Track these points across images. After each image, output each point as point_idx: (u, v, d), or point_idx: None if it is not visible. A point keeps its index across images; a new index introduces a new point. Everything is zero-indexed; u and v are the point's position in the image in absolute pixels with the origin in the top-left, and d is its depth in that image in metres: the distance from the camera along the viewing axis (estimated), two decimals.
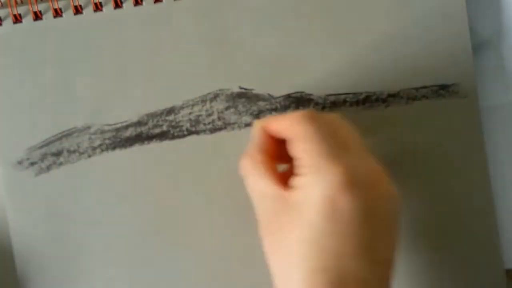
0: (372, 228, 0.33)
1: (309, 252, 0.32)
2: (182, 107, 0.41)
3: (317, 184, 0.32)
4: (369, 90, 0.42)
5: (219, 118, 0.41)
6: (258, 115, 0.42)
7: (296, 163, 0.34)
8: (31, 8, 0.41)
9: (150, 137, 0.41)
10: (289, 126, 0.35)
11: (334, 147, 0.33)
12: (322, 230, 0.32)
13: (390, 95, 0.42)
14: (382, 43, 0.42)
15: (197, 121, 0.41)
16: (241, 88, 0.41)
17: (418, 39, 0.42)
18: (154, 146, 0.41)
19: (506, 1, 0.43)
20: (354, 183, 0.32)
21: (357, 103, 0.42)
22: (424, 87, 0.42)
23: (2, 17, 0.41)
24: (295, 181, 0.34)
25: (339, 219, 0.32)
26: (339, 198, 0.32)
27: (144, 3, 0.41)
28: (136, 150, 0.41)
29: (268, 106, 0.42)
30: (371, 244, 0.33)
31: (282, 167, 0.37)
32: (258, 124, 0.38)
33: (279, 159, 0.36)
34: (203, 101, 0.41)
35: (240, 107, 0.42)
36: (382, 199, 0.33)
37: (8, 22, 0.41)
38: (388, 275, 0.34)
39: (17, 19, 0.41)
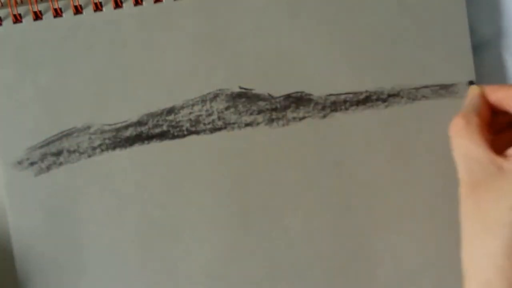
0: None
1: None
2: (182, 107, 0.41)
3: None
4: (369, 90, 0.42)
5: (219, 118, 0.41)
6: (258, 115, 0.42)
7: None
8: (31, 8, 0.41)
9: (150, 137, 0.41)
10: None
11: None
12: None
13: (390, 95, 0.42)
14: (382, 43, 0.42)
15: (197, 121, 0.41)
16: (241, 88, 0.41)
17: (418, 39, 0.42)
18: (154, 146, 0.41)
19: (506, 1, 0.43)
20: None
21: (357, 103, 0.42)
22: (424, 87, 0.42)
23: (2, 17, 0.41)
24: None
25: None
26: None
27: (144, 3, 0.41)
28: (136, 150, 0.41)
29: (268, 106, 0.42)
30: None
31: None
32: (477, 89, 0.37)
33: (491, 129, 0.36)
34: (203, 101, 0.41)
35: (240, 107, 0.41)
36: None
37: (8, 22, 0.41)
38: None
39: (17, 19, 0.41)
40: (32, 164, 0.41)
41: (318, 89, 0.42)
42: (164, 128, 0.41)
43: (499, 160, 0.33)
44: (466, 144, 0.35)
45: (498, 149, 0.34)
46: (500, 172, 0.33)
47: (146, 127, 0.41)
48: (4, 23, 0.41)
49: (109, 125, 0.41)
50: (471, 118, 0.35)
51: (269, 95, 0.42)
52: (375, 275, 0.42)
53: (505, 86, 0.36)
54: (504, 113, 0.38)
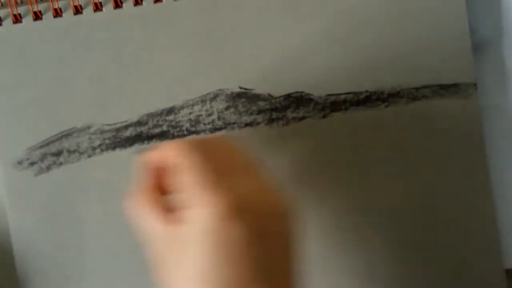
0: (266, 247, 0.32)
1: (204, 286, 0.31)
2: (182, 107, 0.41)
3: (202, 215, 0.31)
4: (369, 90, 0.42)
5: (219, 118, 0.41)
6: (258, 115, 0.42)
7: (181, 195, 0.33)
8: (31, 8, 0.41)
9: (150, 137, 0.41)
10: (170, 156, 0.34)
11: (216, 176, 0.32)
12: (214, 263, 0.31)
13: (390, 95, 0.42)
14: (382, 43, 0.42)
15: (197, 121, 0.41)
16: (241, 88, 0.41)
17: (418, 39, 0.42)
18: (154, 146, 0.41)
19: (506, 1, 0.43)
20: (238, 210, 0.31)
21: (357, 103, 0.42)
22: (424, 87, 0.42)
23: (2, 17, 0.41)
24: (181, 214, 0.33)
25: (228, 248, 0.31)
26: (225, 228, 0.31)
27: (144, 3, 0.41)
28: (136, 150, 0.41)
29: (268, 106, 0.42)
30: (269, 265, 0.32)
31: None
32: (140, 160, 0.36)
33: (168, 189, 0.35)
34: (203, 101, 0.41)
35: (240, 107, 0.41)
36: (272, 219, 0.33)
37: (8, 22, 0.41)
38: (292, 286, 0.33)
39: (17, 19, 0.41)
40: (32, 164, 0.41)
41: (318, 89, 0.42)
42: (164, 128, 0.41)
43: (174, 230, 0.33)
44: (145, 224, 0.34)
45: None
46: (177, 242, 0.32)
47: (146, 127, 0.41)
48: (4, 23, 0.41)
49: (109, 125, 0.41)
50: (140, 196, 0.34)
51: (269, 95, 0.42)
52: (375, 275, 0.42)
53: (160, 147, 0.35)
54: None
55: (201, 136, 0.41)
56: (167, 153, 0.34)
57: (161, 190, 0.34)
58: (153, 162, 0.35)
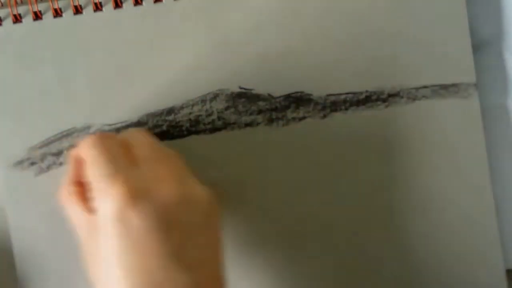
0: (176, 233, 0.33)
1: (118, 273, 0.33)
2: (182, 107, 0.41)
3: (105, 205, 0.33)
4: (369, 90, 0.42)
5: (219, 118, 0.41)
6: (258, 115, 0.42)
7: (90, 186, 0.35)
8: (31, 8, 0.41)
9: None
10: (81, 150, 0.36)
11: (114, 166, 0.34)
12: (123, 250, 0.33)
13: (390, 95, 0.42)
14: (382, 43, 0.42)
15: (197, 121, 0.41)
16: (241, 88, 0.41)
17: (418, 39, 0.42)
18: None
19: (506, 1, 0.43)
20: (137, 196, 0.33)
21: (357, 103, 0.42)
22: (424, 87, 0.42)
23: (2, 17, 0.41)
24: (93, 204, 0.35)
25: (133, 234, 0.33)
26: (127, 215, 0.33)
27: (144, 3, 0.41)
28: None
29: (268, 106, 0.42)
30: (182, 250, 0.33)
31: None
32: (68, 154, 0.39)
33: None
34: (203, 101, 0.41)
35: (240, 107, 0.41)
36: (182, 208, 0.34)
37: (8, 22, 0.41)
38: (211, 274, 0.34)
39: (17, 19, 0.41)
40: (32, 164, 0.41)
41: (318, 89, 0.42)
42: (164, 128, 0.41)
43: (91, 219, 0.34)
44: (71, 214, 0.37)
45: None
46: (94, 231, 0.34)
47: (146, 127, 0.41)
48: (4, 23, 0.41)
49: (109, 125, 0.41)
50: (66, 188, 0.37)
51: (269, 95, 0.42)
52: (374, 274, 0.42)
53: (79, 141, 0.37)
54: None
55: (202, 136, 0.41)
56: (79, 147, 0.37)
57: (81, 182, 0.36)
58: (72, 156, 0.37)
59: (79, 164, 0.37)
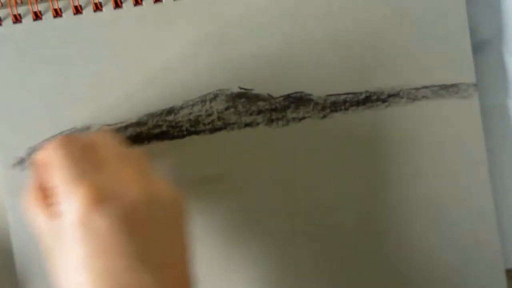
0: (142, 234, 0.33)
1: (85, 278, 0.32)
2: (181, 107, 0.41)
3: (69, 209, 0.33)
4: (369, 90, 0.42)
5: (218, 118, 0.41)
6: (258, 115, 0.42)
7: (54, 190, 0.34)
8: (31, 8, 0.41)
9: (149, 138, 0.41)
10: (45, 153, 0.36)
11: (80, 169, 0.34)
12: (87, 253, 0.32)
13: (390, 95, 0.42)
14: (382, 43, 0.42)
15: (196, 121, 0.41)
16: (241, 88, 0.41)
17: (418, 39, 0.42)
18: (154, 146, 0.41)
19: (506, 1, 0.43)
20: (102, 199, 0.33)
21: (357, 103, 0.42)
22: (424, 87, 0.42)
23: (2, 17, 0.41)
24: (57, 209, 0.34)
25: (98, 237, 0.32)
26: (90, 217, 0.32)
27: (144, 3, 0.41)
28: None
29: (268, 106, 0.42)
30: (148, 251, 0.33)
31: None
32: (30, 160, 0.38)
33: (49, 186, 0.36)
34: (203, 101, 0.41)
35: (240, 107, 0.41)
36: (145, 204, 0.33)
37: (8, 22, 0.41)
38: (180, 275, 0.34)
39: (17, 19, 0.41)
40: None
41: (318, 89, 0.42)
42: (164, 128, 0.41)
43: (53, 225, 0.34)
44: (34, 221, 0.36)
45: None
46: (56, 237, 0.34)
47: (146, 127, 0.41)
48: (4, 23, 0.41)
49: (109, 125, 0.41)
50: (28, 195, 0.36)
51: (269, 95, 0.42)
52: (374, 272, 0.42)
53: (41, 147, 0.37)
54: None
55: (201, 136, 0.41)
56: (43, 152, 0.36)
57: (44, 187, 0.36)
58: (36, 162, 0.37)
59: (42, 168, 0.36)
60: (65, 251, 0.33)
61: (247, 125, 0.41)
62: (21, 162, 0.41)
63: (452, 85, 0.42)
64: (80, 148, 0.35)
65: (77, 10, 0.41)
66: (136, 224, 0.33)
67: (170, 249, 0.34)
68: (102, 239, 0.32)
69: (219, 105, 0.41)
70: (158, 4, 0.41)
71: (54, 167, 0.34)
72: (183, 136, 0.41)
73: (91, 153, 0.35)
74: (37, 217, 0.36)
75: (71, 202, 0.33)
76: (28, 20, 0.41)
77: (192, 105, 0.41)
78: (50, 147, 0.35)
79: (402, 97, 0.42)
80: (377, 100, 0.42)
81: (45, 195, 0.35)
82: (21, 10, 0.41)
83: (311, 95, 0.42)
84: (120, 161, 0.35)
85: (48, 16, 0.41)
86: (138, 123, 0.41)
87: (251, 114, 0.42)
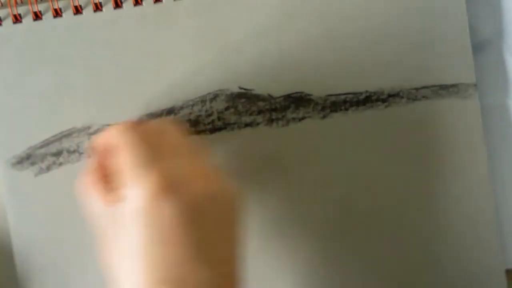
0: (203, 228, 0.33)
1: (141, 265, 0.32)
2: (182, 107, 0.41)
3: (135, 194, 0.32)
4: (369, 90, 0.42)
5: (218, 119, 0.41)
6: (258, 115, 0.42)
7: (120, 175, 0.34)
8: (31, 8, 0.41)
9: None
10: (109, 138, 0.35)
11: (148, 156, 0.33)
12: (149, 241, 0.32)
13: (390, 95, 0.42)
14: (382, 44, 0.42)
15: (196, 121, 0.41)
16: (241, 88, 0.41)
17: (418, 39, 0.42)
18: None
19: (506, 1, 0.43)
20: (170, 187, 0.32)
21: (357, 103, 0.42)
22: (424, 87, 0.42)
23: (2, 17, 0.41)
24: (120, 194, 0.34)
25: (162, 225, 0.32)
26: (157, 205, 0.32)
27: (144, 3, 0.41)
28: None
29: (268, 106, 0.42)
30: (206, 245, 0.33)
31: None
32: (88, 144, 0.38)
33: (111, 170, 0.36)
34: (203, 101, 0.41)
35: (240, 107, 0.41)
36: (209, 202, 0.33)
37: (8, 22, 0.41)
38: (232, 272, 0.34)
39: (17, 19, 0.41)
40: (32, 164, 0.41)
41: (318, 89, 0.42)
42: None
43: (114, 209, 0.34)
44: (90, 205, 0.35)
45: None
46: (116, 221, 0.33)
47: None
48: (4, 23, 0.41)
49: (109, 125, 0.41)
50: (85, 179, 0.36)
51: (269, 95, 0.42)
52: (376, 273, 0.42)
53: (104, 131, 0.37)
54: None
55: (201, 136, 0.41)
56: (108, 134, 0.35)
57: (105, 171, 0.35)
58: (98, 145, 0.36)
59: (105, 151, 0.35)
60: (122, 236, 0.33)
61: (247, 125, 0.41)
62: (21, 162, 0.41)
63: (452, 85, 0.42)
64: (148, 134, 0.35)
65: (77, 10, 0.41)
66: (197, 217, 0.33)
67: (226, 245, 0.34)
68: (164, 228, 0.32)
69: (219, 105, 0.41)
70: (158, 4, 0.41)
71: (122, 150, 0.34)
72: None
73: (159, 140, 0.35)
74: (94, 201, 0.35)
75: (138, 188, 0.32)
76: (28, 20, 0.41)
77: (192, 105, 0.41)
78: (116, 130, 0.35)
79: (402, 97, 0.42)
80: (377, 100, 0.42)
81: (105, 179, 0.35)
82: (21, 10, 0.41)
83: (311, 95, 0.42)
84: (187, 151, 0.35)
85: (48, 16, 0.41)
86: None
87: (251, 114, 0.42)
